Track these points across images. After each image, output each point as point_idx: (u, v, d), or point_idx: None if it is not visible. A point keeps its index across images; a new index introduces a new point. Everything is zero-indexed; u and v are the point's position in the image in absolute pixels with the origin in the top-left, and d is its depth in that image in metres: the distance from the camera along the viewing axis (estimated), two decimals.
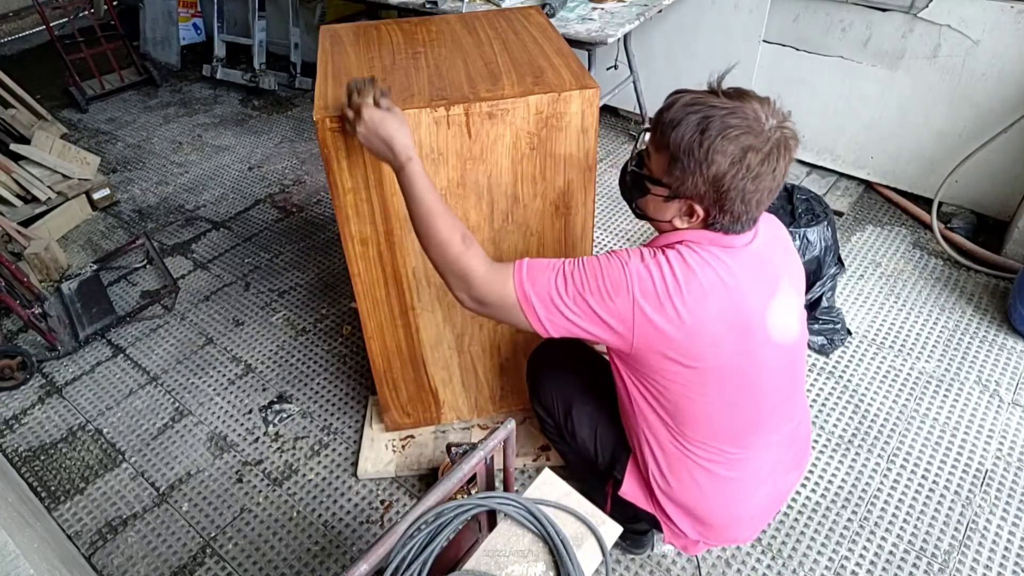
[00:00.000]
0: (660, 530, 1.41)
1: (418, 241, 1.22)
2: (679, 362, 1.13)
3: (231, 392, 2.24)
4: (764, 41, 2.88)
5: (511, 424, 1.15)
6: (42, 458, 2.07)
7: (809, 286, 2.20)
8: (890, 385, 2.13)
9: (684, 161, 1.05)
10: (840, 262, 2.24)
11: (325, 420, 2.12)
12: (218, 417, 2.16)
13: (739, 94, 1.06)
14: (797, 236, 2.13)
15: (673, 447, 1.27)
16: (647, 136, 1.16)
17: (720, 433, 1.24)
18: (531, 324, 1.15)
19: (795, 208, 2.19)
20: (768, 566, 1.69)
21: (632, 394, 1.27)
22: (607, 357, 1.35)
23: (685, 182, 1.07)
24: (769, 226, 1.25)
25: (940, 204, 2.62)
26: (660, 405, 1.23)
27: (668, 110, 1.07)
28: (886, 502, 1.81)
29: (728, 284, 1.11)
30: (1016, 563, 1.67)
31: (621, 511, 1.45)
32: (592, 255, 1.15)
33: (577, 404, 1.51)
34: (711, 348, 1.12)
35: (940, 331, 2.31)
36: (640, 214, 1.20)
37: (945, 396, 2.09)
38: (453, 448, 1.80)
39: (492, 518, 1.23)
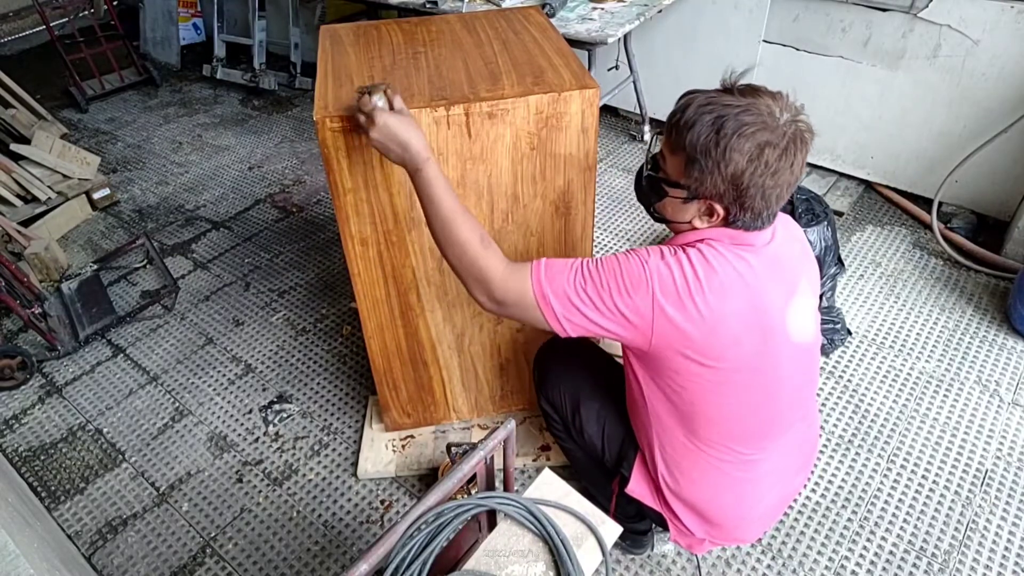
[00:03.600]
0: (666, 528, 1.41)
1: (435, 242, 1.22)
2: (698, 362, 1.13)
3: (231, 392, 2.24)
4: (764, 41, 2.88)
5: (511, 424, 1.15)
6: (42, 458, 2.07)
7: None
8: (890, 385, 2.13)
9: (702, 162, 1.05)
10: (840, 262, 2.24)
11: (325, 420, 2.12)
12: (218, 417, 2.16)
13: (752, 91, 1.06)
14: None
15: (686, 447, 1.27)
16: (660, 139, 1.16)
17: (735, 434, 1.24)
18: (548, 323, 1.15)
19: (795, 208, 2.19)
20: (768, 566, 1.69)
21: (647, 394, 1.25)
22: (620, 357, 1.35)
23: (704, 182, 1.06)
24: (786, 227, 1.25)
25: (940, 204, 2.62)
26: (675, 405, 1.22)
27: (682, 112, 1.07)
28: (886, 502, 1.81)
29: (749, 283, 1.11)
30: (1016, 563, 1.67)
31: (625, 509, 1.45)
32: (609, 255, 1.15)
33: (585, 401, 1.51)
34: (731, 347, 1.12)
35: (940, 331, 2.31)
36: (659, 217, 1.20)
37: (945, 396, 2.09)
38: (453, 448, 1.80)
39: (492, 518, 1.23)
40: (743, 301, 1.10)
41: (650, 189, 1.18)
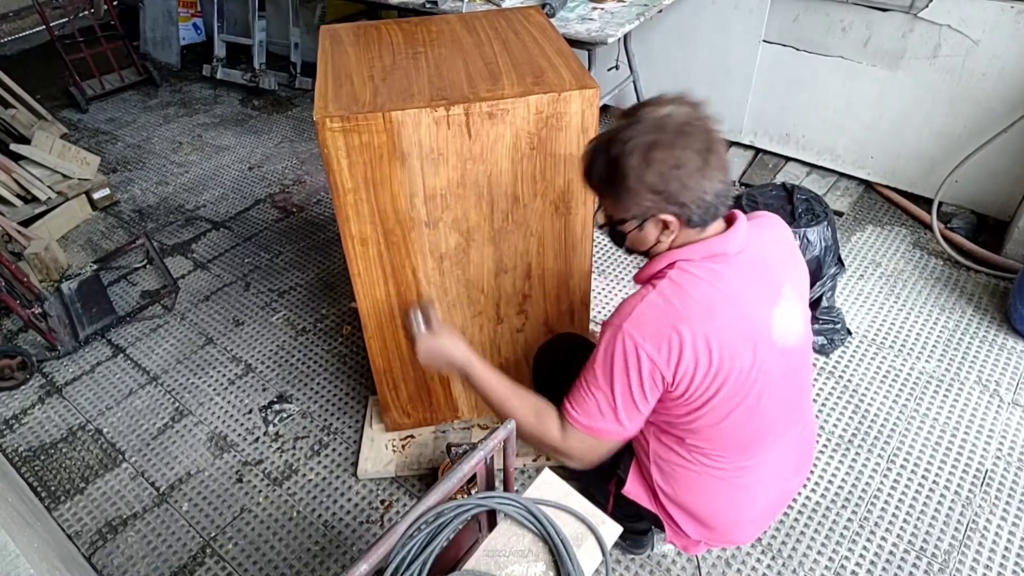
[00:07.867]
0: (662, 529, 1.41)
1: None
2: (706, 384, 1.13)
3: (231, 392, 2.24)
4: (764, 41, 2.88)
5: (511, 424, 1.15)
6: (42, 458, 2.07)
7: (809, 286, 2.20)
8: (890, 385, 2.13)
9: (619, 190, 1.10)
10: (840, 262, 2.24)
11: (325, 420, 2.12)
12: (218, 417, 2.16)
13: (633, 108, 1.11)
14: (797, 236, 2.13)
15: (682, 459, 1.28)
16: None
17: (731, 445, 1.24)
18: (619, 441, 1.21)
19: (795, 208, 2.19)
20: (768, 566, 1.69)
21: (648, 417, 1.26)
22: None
23: (635, 205, 1.10)
24: (770, 229, 1.25)
25: (940, 204, 2.62)
26: (675, 426, 1.24)
27: (583, 160, 1.16)
28: (886, 502, 1.81)
29: (728, 296, 1.11)
30: (1016, 563, 1.67)
31: (623, 510, 1.45)
32: (598, 344, 1.17)
33: None
34: (729, 362, 1.12)
35: (940, 331, 2.31)
36: (638, 253, 1.23)
37: (945, 396, 2.09)
38: (453, 448, 1.80)
39: (492, 518, 1.23)
40: (728, 314, 1.11)
41: (613, 237, 1.22)
